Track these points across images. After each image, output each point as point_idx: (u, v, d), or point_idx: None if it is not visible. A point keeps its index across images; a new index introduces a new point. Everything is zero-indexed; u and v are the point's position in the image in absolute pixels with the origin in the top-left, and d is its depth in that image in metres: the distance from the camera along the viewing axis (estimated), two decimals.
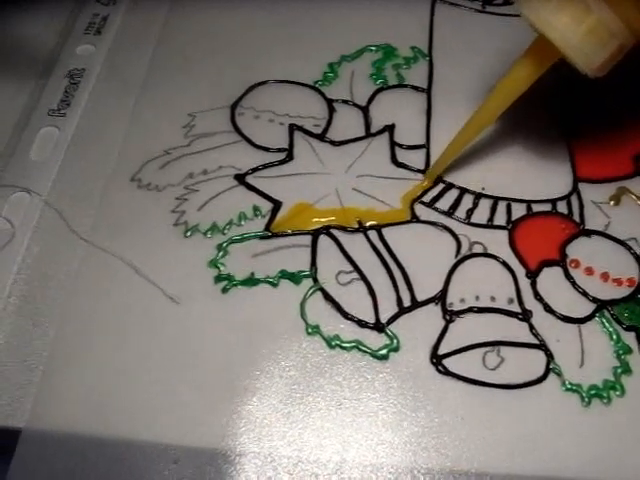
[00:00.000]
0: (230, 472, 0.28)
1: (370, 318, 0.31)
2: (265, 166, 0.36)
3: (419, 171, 0.36)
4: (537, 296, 0.32)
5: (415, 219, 0.34)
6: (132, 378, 0.30)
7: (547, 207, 0.35)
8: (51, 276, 0.33)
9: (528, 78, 0.32)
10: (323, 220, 0.34)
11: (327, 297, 0.32)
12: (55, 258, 0.33)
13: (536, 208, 0.35)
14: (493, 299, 0.32)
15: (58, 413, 0.29)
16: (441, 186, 0.35)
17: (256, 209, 0.34)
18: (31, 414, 0.29)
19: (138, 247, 0.33)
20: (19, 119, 0.38)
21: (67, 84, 0.39)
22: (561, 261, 0.33)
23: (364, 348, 0.31)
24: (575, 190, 0.35)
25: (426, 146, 0.37)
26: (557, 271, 0.33)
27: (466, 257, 0.33)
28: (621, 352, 0.31)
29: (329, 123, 0.38)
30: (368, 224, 0.34)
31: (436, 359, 0.30)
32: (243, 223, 0.34)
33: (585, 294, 0.32)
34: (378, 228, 0.34)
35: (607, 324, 0.31)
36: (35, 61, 0.40)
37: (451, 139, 0.35)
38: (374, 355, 0.30)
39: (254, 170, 0.36)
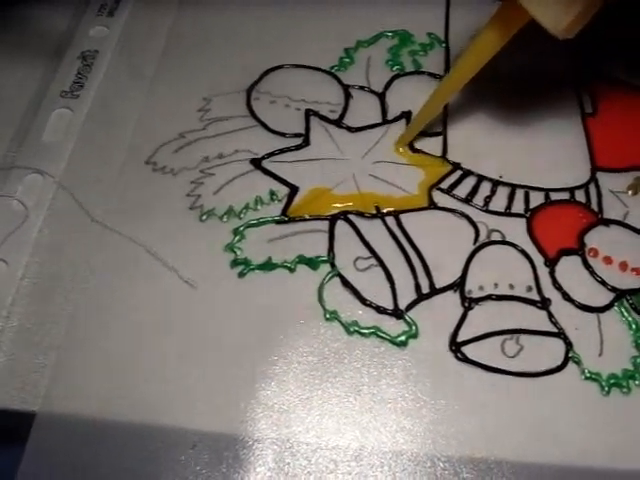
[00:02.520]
0: (248, 458, 0.28)
1: (388, 304, 0.31)
2: (281, 151, 0.36)
3: (436, 158, 0.36)
4: (556, 284, 0.32)
5: (433, 206, 0.34)
6: (148, 362, 0.30)
7: (565, 196, 0.35)
8: (65, 259, 0.32)
9: (496, 42, 0.32)
10: (340, 205, 0.34)
11: (345, 283, 0.32)
12: (69, 241, 0.33)
13: (554, 196, 0.35)
14: (512, 287, 0.32)
15: (73, 397, 0.29)
16: (459, 173, 0.35)
17: (272, 193, 0.34)
18: (45, 398, 0.29)
19: (153, 231, 0.33)
20: (31, 101, 0.37)
21: (80, 66, 0.38)
22: (579, 250, 0.33)
23: (383, 334, 0.30)
24: (593, 179, 0.35)
25: (443, 133, 0.36)
26: (575, 260, 0.33)
27: (484, 244, 0.33)
28: None
29: (345, 109, 0.37)
30: (386, 210, 0.34)
31: (455, 346, 0.30)
32: (259, 207, 0.34)
33: (604, 283, 0.32)
34: (396, 214, 0.33)
35: (626, 313, 0.31)
36: (47, 43, 0.40)
37: (468, 124, 0.34)
38: (393, 342, 0.30)
39: (270, 155, 0.35)
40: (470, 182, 0.35)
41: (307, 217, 0.33)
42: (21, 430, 0.28)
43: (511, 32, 0.31)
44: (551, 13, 0.29)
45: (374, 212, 0.34)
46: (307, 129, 0.36)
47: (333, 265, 0.32)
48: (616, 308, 0.31)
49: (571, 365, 0.30)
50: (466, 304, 0.31)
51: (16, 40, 0.40)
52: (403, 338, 0.30)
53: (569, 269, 0.32)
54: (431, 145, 0.36)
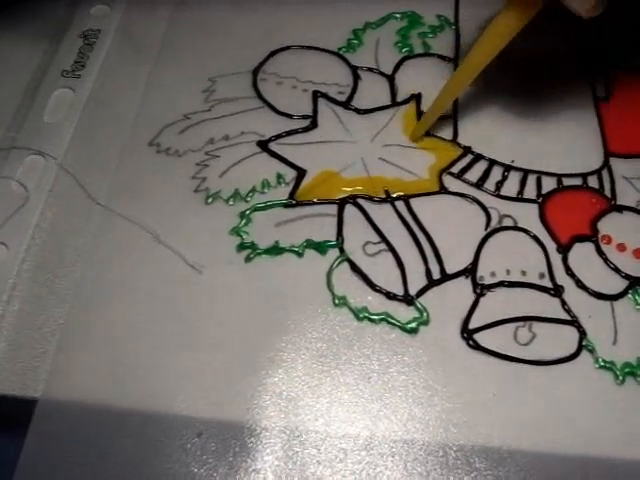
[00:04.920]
0: (256, 446, 0.27)
1: (399, 290, 0.30)
2: (289, 133, 0.35)
3: (447, 141, 0.35)
4: (569, 271, 0.31)
5: (444, 190, 0.33)
6: (152, 348, 0.29)
7: (578, 181, 0.34)
8: (67, 242, 0.32)
9: (511, 29, 0.31)
10: (349, 189, 0.33)
11: (354, 268, 0.31)
12: (71, 223, 0.32)
13: (567, 182, 0.34)
14: (524, 273, 0.31)
15: (75, 383, 0.28)
16: (470, 157, 0.34)
17: (280, 177, 0.33)
18: (47, 384, 0.28)
19: (157, 213, 0.32)
20: (32, 81, 0.37)
21: (81, 45, 0.38)
22: (593, 236, 0.32)
23: (393, 321, 0.30)
24: (606, 165, 0.34)
25: (453, 116, 0.36)
26: (589, 247, 0.32)
27: (496, 230, 0.32)
28: None
29: (354, 91, 0.37)
30: (395, 194, 0.33)
31: (467, 333, 0.29)
32: (266, 191, 0.33)
33: (617, 270, 0.31)
34: (406, 198, 0.33)
35: None
36: (48, 22, 0.39)
37: (479, 108, 0.33)
38: (403, 328, 0.30)
39: (277, 137, 0.35)
40: (481, 167, 0.34)
41: (315, 201, 0.33)
42: (22, 417, 0.27)
43: (527, 18, 0.30)
44: None
45: (383, 196, 0.33)
46: (315, 111, 0.36)
47: (342, 250, 0.31)
48: (630, 296, 0.31)
49: (585, 353, 0.29)
50: (478, 290, 0.31)
51: (17, 20, 0.39)
52: (414, 325, 0.30)
53: (582, 256, 0.32)
54: (441, 129, 0.35)
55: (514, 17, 0.30)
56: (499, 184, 0.34)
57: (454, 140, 0.35)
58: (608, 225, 0.33)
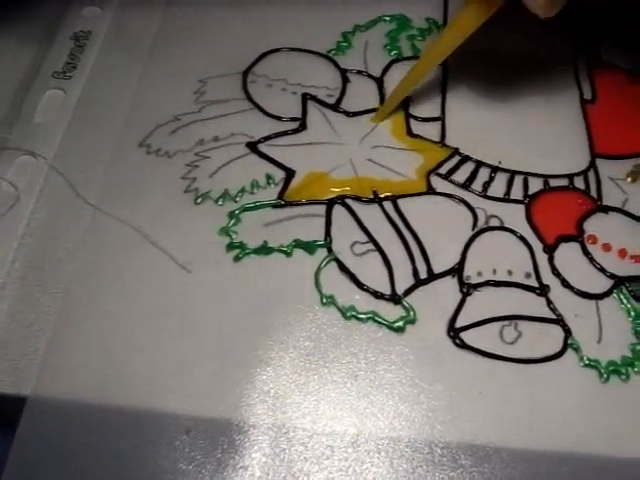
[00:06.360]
0: (243, 443, 0.27)
1: (386, 289, 0.31)
2: (278, 134, 0.35)
3: (435, 143, 0.35)
4: (554, 271, 0.32)
5: (431, 191, 0.34)
6: (141, 347, 0.29)
7: (564, 182, 0.34)
8: (57, 242, 0.32)
9: (472, 24, 0.32)
10: (337, 189, 0.33)
11: (342, 268, 0.31)
12: (61, 223, 0.32)
13: (553, 183, 0.34)
14: (510, 273, 0.31)
15: (65, 381, 0.28)
16: (457, 158, 0.35)
17: (269, 177, 0.34)
18: (37, 382, 0.28)
19: (147, 214, 0.32)
20: (23, 81, 0.37)
21: (72, 46, 0.38)
22: (578, 237, 0.33)
23: (380, 319, 0.30)
24: (592, 166, 0.35)
25: (441, 118, 0.36)
26: (574, 247, 0.32)
27: (483, 230, 0.33)
28: (639, 329, 0.30)
29: (343, 93, 0.37)
30: (383, 195, 0.33)
31: (453, 332, 0.30)
32: (255, 191, 0.33)
33: (603, 270, 0.32)
34: (393, 199, 0.33)
35: (625, 301, 0.31)
36: (39, 22, 0.39)
37: (466, 110, 0.34)
38: (390, 327, 0.30)
39: (267, 138, 0.35)
40: (469, 167, 0.34)
41: (304, 201, 0.33)
42: (12, 414, 0.28)
43: (487, 14, 0.32)
44: None
45: (372, 197, 0.33)
46: (304, 113, 0.36)
47: (330, 250, 0.32)
48: (615, 295, 0.31)
49: (570, 352, 0.30)
50: (464, 290, 0.31)
51: (8, 21, 0.39)
52: (401, 323, 0.30)
53: (568, 256, 0.32)
54: (429, 130, 0.36)
55: (474, 13, 0.32)
56: (486, 185, 0.34)
57: (442, 141, 0.35)
58: (594, 225, 0.33)
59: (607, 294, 0.31)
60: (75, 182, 0.33)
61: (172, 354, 0.29)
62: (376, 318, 0.30)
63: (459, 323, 0.30)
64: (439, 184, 0.34)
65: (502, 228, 0.33)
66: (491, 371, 0.29)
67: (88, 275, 0.31)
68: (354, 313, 0.30)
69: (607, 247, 0.32)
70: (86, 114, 0.36)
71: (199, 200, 0.33)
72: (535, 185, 0.34)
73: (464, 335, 0.30)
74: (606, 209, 0.34)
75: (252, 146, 0.35)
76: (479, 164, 0.35)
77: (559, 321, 0.30)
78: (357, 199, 0.33)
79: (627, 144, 0.36)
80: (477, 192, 0.34)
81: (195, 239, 0.32)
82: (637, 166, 0.35)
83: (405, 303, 0.30)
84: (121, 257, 0.31)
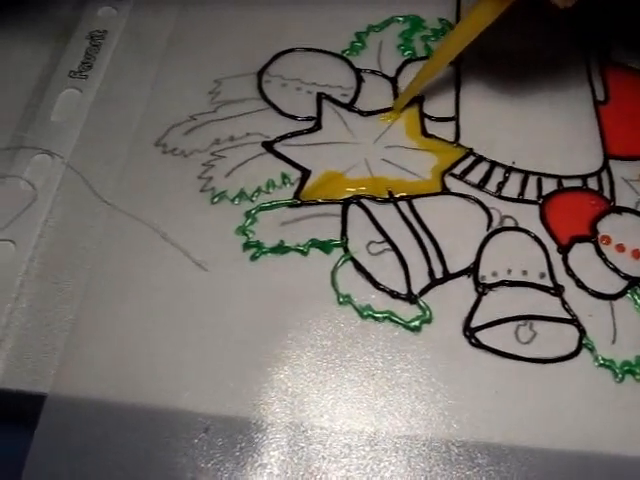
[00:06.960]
0: (262, 442, 0.27)
1: (402, 289, 0.31)
2: (293, 134, 0.35)
3: (449, 143, 0.35)
4: (569, 271, 0.32)
5: (446, 191, 0.34)
6: (159, 345, 0.29)
7: (577, 183, 0.35)
8: (75, 240, 0.32)
9: (487, 17, 0.33)
10: (353, 189, 0.33)
11: (358, 267, 0.31)
12: (79, 221, 0.32)
13: (567, 184, 0.34)
14: (525, 273, 0.32)
15: (83, 379, 0.29)
16: (472, 159, 0.35)
17: (285, 177, 0.34)
18: (55, 380, 0.28)
19: (164, 213, 0.33)
20: (40, 81, 0.37)
21: (88, 46, 0.38)
22: (592, 237, 0.33)
23: (396, 319, 0.30)
24: (606, 167, 0.35)
25: (455, 118, 0.36)
26: (588, 247, 0.33)
27: (497, 230, 0.33)
28: None
29: (357, 93, 0.37)
30: (398, 195, 0.33)
31: (469, 332, 0.30)
32: (271, 191, 0.33)
33: (616, 271, 0.32)
34: (409, 199, 0.33)
35: (639, 301, 0.31)
36: (55, 22, 0.39)
37: (481, 110, 0.34)
38: (406, 326, 0.30)
39: (282, 138, 0.35)
40: (483, 168, 0.35)
41: (320, 201, 0.33)
42: (31, 412, 0.28)
43: (501, 8, 0.32)
44: None
45: (387, 197, 0.33)
46: (319, 113, 0.36)
47: (346, 249, 0.32)
48: (629, 295, 0.31)
49: (584, 352, 0.30)
50: (480, 290, 0.31)
51: (24, 21, 0.40)
52: (417, 323, 0.30)
53: (582, 256, 0.32)
54: (444, 130, 0.36)
55: (489, 7, 0.32)
56: (500, 185, 0.34)
57: (456, 142, 0.35)
58: (607, 226, 0.33)
59: (621, 294, 0.31)
60: (92, 180, 0.33)
61: (189, 352, 0.29)
62: (392, 317, 0.30)
63: (475, 323, 0.30)
64: (454, 184, 0.34)
65: (516, 228, 0.33)
66: (507, 371, 0.29)
67: (105, 273, 0.31)
68: (370, 312, 0.30)
69: (621, 248, 0.33)
70: (102, 113, 0.36)
71: (215, 199, 0.33)
72: (549, 186, 0.34)
73: (480, 335, 0.30)
74: (619, 210, 0.34)
75: (268, 145, 0.35)
76: (493, 164, 0.35)
77: (574, 321, 0.30)
78: (372, 199, 0.33)
79: None
80: (491, 192, 0.34)
81: (212, 238, 0.32)
82: None
83: (421, 303, 0.31)
84: (138, 255, 0.31)
